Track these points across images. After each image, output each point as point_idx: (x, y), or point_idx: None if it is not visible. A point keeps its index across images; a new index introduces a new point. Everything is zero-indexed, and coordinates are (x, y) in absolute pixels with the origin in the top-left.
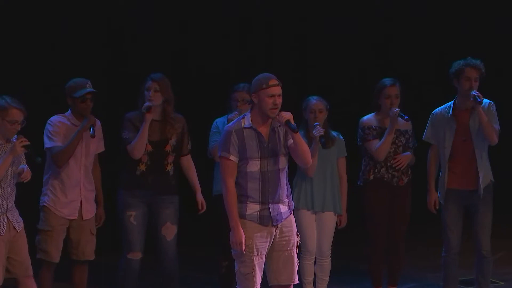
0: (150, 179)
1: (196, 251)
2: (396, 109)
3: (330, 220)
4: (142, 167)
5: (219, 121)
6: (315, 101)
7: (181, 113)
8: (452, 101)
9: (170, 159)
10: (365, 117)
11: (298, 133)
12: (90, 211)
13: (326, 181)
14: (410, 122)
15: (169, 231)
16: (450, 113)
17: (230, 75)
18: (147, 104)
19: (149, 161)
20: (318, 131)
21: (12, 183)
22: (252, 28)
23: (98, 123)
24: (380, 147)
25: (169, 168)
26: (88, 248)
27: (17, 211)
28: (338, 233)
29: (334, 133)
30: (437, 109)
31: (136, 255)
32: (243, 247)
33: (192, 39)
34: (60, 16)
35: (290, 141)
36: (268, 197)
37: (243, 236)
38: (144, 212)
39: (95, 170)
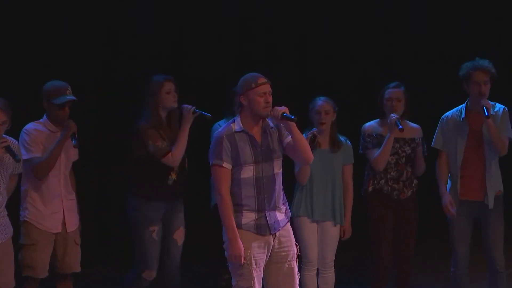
0: (178, 186)
1: (195, 263)
2: (394, 116)
3: (333, 229)
4: (174, 176)
5: (222, 123)
6: (321, 102)
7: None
8: (464, 104)
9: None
10: (367, 124)
11: (295, 123)
12: (74, 222)
13: (327, 189)
14: (420, 128)
15: (181, 236)
16: (463, 116)
17: (230, 76)
18: (188, 106)
19: (178, 168)
20: (311, 133)
21: (1, 187)
22: (252, 29)
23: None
24: (377, 157)
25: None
26: (74, 260)
27: (7, 219)
28: (342, 242)
29: (342, 138)
30: (447, 113)
31: (152, 275)
32: (242, 260)
33: (192, 40)
34: (60, 16)
35: (288, 139)
36: (265, 204)
37: (242, 248)
38: (161, 226)
39: (72, 179)
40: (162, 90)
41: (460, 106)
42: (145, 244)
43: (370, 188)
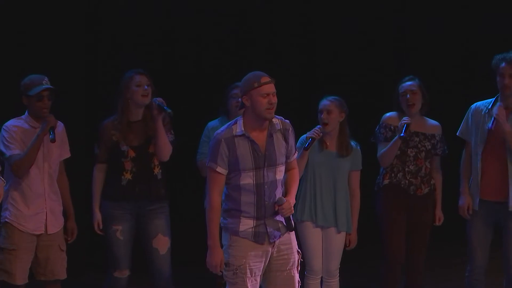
0: (138, 188)
1: (190, 269)
2: (406, 119)
3: (337, 236)
4: (128, 176)
5: (211, 126)
6: (325, 101)
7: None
8: (494, 98)
9: (156, 160)
10: (388, 114)
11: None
12: (55, 224)
13: (331, 194)
14: (439, 125)
15: (162, 244)
16: (489, 108)
17: (229, 76)
18: (159, 100)
19: (135, 167)
20: (313, 132)
21: None
22: (252, 28)
23: (60, 126)
24: (383, 153)
25: (157, 171)
26: (58, 266)
27: None
28: (349, 250)
29: (352, 143)
30: (476, 103)
31: (123, 273)
32: (218, 270)
33: (189, 39)
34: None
35: (292, 159)
36: (265, 212)
37: (221, 257)
38: (132, 226)
39: (61, 179)
40: (131, 83)
41: (490, 99)
42: (110, 243)
43: (387, 181)
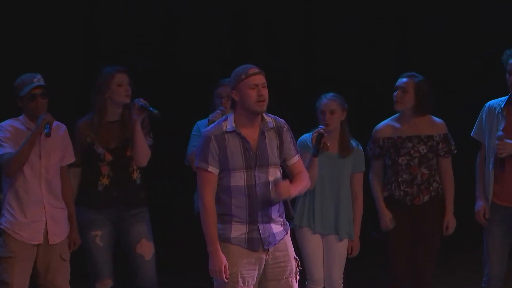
0: (116, 193)
1: (180, 278)
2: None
3: (338, 244)
4: (105, 181)
5: (201, 123)
6: (326, 100)
7: (170, 117)
8: (508, 96)
9: (135, 164)
10: (380, 124)
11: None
12: (58, 234)
13: (333, 199)
14: (443, 124)
15: (146, 249)
16: (502, 107)
17: (229, 76)
18: (142, 101)
19: (112, 172)
20: (316, 132)
21: None
22: (252, 28)
23: (62, 128)
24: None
25: (136, 176)
26: (59, 277)
27: None
28: (352, 258)
29: (353, 143)
30: (490, 102)
31: (106, 283)
32: (224, 276)
33: (189, 39)
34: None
35: (293, 161)
36: (258, 216)
37: (224, 262)
38: (111, 231)
39: (65, 185)
40: (112, 82)
41: (505, 97)
42: (90, 250)
43: (385, 194)
